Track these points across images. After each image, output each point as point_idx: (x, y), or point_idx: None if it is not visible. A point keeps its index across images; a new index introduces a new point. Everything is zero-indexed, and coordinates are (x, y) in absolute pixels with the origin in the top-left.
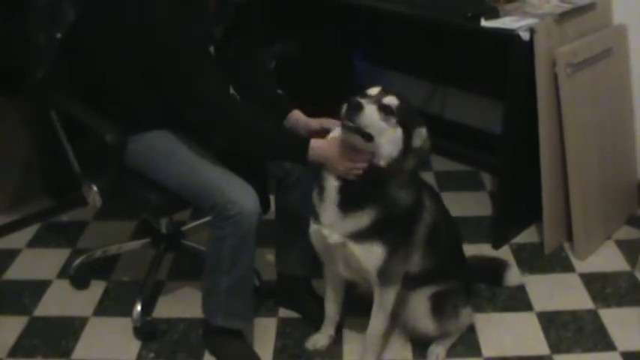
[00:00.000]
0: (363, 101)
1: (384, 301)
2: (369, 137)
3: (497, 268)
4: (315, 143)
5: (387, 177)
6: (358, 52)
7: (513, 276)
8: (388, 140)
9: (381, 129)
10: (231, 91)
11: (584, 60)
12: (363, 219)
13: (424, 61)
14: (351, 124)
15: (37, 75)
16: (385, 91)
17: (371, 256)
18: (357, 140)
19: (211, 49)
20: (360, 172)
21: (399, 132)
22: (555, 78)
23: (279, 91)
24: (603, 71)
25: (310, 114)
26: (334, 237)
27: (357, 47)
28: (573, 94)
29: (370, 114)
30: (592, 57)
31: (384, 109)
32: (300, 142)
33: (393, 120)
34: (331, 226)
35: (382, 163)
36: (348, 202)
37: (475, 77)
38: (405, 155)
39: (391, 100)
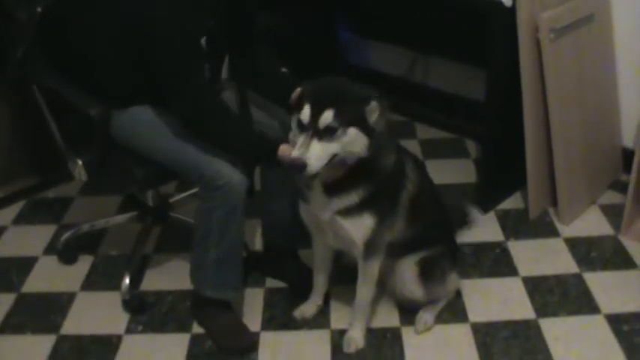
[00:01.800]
0: (303, 157)
1: (367, 272)
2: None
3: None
4: (283, 150)
5: (366, 161)
6: (341, 23)
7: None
8: (347, 145)
9: (333, 150)
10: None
11: (567, 25)
12: (350, 198)
13: (406, 29)
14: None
15: (18, 51)
16: (317, 107)
17: (360, 228)
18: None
19: (202, 40)
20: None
21: (352, 131)
22: (538, 44)
23: (284, 70)
24: (586, 37)
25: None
26: (324, 215)
27: (340, 18)
28: (556, 60)
29: (316, 159)
30: (575, 22)
31: (326, 132)
32: (268, 147)
33: (339, 130)
34: (320, 207)
35: (361, 155)
36: (334, 188)
37: (458, 45)
38: (371, 133)
39: (326, 119)
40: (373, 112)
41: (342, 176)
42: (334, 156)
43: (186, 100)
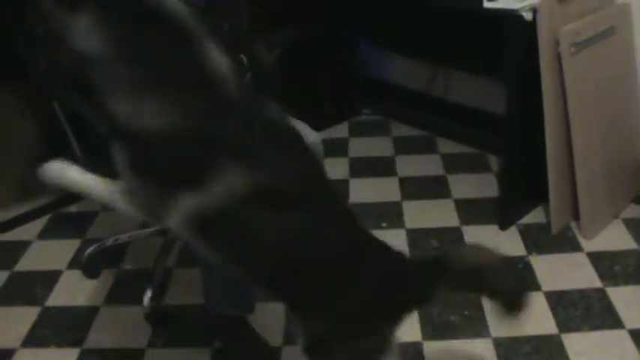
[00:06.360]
0: None
1: None
2: None
3: None
4: None
5: None
6: (361, 35)
7: None
8: None
9: None
10: None
11: (588, 39)
12: None
13: (426, 43)
14: None
15: (40, 68)
16: None
17: None
18: None
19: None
20: None
21: None
22: (559, 57)
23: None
24: (607, 50)
25: (316, 98)
26: None
27: (360, 31)
28: (577, 74)
29: None
30: (595, 36)
31: None
32: None
33: None
34: None
35: None
36: None
37: (478, 58)
38: None
39: None
40: None
41: None
42: None
43: None
